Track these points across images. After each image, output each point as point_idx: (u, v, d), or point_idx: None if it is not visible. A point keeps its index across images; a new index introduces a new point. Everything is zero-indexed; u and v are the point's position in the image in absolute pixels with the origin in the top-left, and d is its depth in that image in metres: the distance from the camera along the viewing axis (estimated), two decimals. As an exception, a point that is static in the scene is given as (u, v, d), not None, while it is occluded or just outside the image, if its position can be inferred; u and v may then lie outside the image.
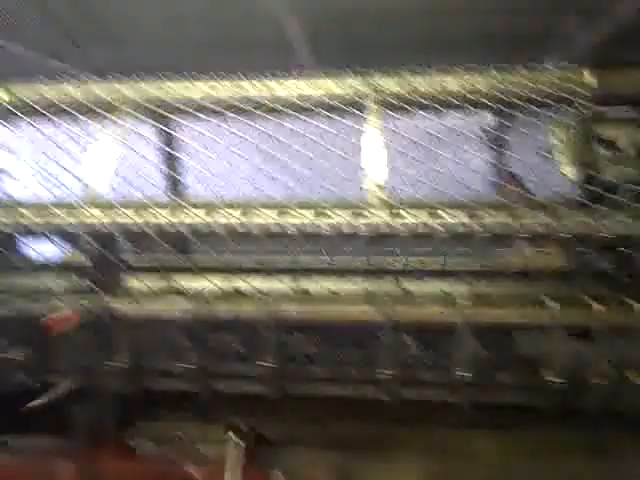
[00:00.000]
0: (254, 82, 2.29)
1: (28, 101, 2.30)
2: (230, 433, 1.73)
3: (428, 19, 7.28)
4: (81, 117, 2.28)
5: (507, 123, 2.33)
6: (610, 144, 1.88)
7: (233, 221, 1.85)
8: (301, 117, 2.14)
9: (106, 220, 1.88)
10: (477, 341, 1.70)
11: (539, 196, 1.87)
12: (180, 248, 2.36)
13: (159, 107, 2.25)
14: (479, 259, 1.99)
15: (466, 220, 1.72)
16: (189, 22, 6.80)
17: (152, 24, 6.88)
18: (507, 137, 2.71)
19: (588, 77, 2.08)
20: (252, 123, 2.13)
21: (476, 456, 1.83)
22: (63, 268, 1.99)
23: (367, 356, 1.77)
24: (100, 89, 2.35)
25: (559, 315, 1.66)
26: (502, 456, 1.83)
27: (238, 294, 1.89)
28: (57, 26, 7.15)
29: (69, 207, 1.94)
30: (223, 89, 2.24)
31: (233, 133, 2.11)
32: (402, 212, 1.79)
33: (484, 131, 2.70)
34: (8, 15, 6.52)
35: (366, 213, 1.81)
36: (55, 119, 2.30)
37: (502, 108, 2.14)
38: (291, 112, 2.14)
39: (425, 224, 1.76)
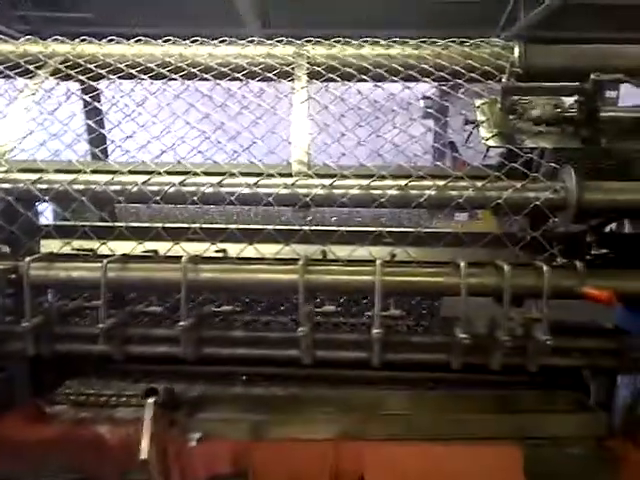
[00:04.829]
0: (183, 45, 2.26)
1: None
2: (147, 396, 1.71)
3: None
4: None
5: (437, 96, 2.38)
6: (531, 116, 1.92)
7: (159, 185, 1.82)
8: (228, 82, 2.11)
9: (25, 179, 1.82)
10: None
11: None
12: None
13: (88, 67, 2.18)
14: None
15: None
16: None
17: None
18: (443, 109, 2.74)
19: (516, 53, 2.13)
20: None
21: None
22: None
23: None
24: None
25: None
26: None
27: (156, 257, 1.86)
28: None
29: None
30: (144, 50, 2.20)
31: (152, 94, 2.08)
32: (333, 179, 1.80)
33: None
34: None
35: (291, 179, 1.82)
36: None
37: (433, 81, 2.17)
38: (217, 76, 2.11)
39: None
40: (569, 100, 1.93)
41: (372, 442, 1.80)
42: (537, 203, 1.72)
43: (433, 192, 1.76)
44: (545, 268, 1.69)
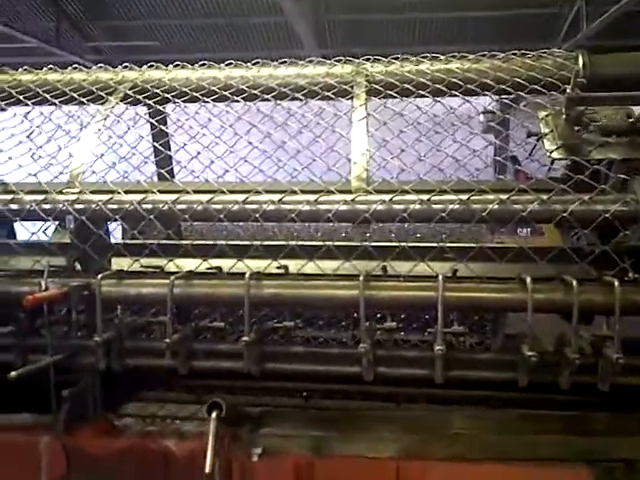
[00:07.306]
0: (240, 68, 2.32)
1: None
2: (211, 410, 1.74)
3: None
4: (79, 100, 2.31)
5: (498, 109, 2.34)
6: (598, 127, 1.87)
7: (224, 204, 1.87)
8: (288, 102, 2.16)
9: (97, 200, 1.91)
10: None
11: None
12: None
13: (155, 92, 2.27)
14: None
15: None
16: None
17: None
18: (504, 122, 2.69)
19: (580, 62, 2.08)
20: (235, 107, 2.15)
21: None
22: (51, 248, 2.02)
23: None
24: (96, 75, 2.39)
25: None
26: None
27: (220, 273, 1.91)
28: (67, 19, 7.24)
29: (60, 188, 1.98)
30: (208, 74, 2.28)
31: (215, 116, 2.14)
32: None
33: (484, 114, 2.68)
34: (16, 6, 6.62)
35: (351, 195, 1.82)
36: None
37: (494, 95, 2.14)
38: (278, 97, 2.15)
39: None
40: (637, 109, 1.86)
41: (436, 461, 1.76)
42: (606, 216, 1.66)
43: (496, 206, 1.73)
44: (616, 283, 1.63)
